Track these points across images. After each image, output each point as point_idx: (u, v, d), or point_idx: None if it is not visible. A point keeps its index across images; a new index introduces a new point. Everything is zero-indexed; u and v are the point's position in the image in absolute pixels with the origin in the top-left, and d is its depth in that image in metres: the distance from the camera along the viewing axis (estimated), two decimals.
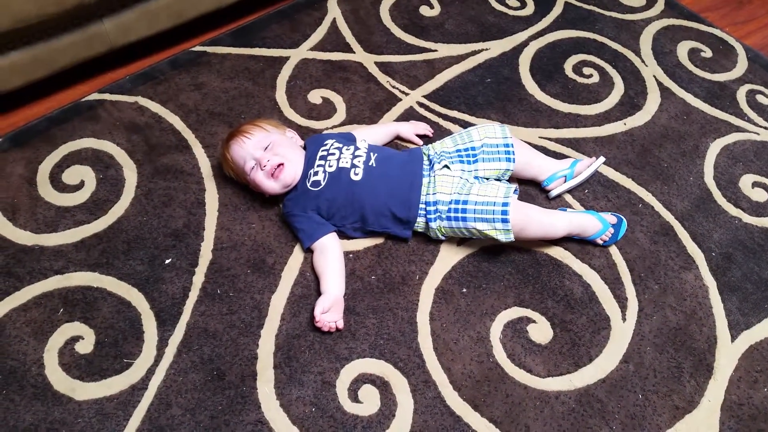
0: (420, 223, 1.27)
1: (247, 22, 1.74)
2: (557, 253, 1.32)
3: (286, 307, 1.21)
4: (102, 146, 1.43)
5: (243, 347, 1.15)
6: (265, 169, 1.25)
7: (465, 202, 1.21)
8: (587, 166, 1.40)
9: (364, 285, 1.24)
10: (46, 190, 1.35)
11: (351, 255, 1.28)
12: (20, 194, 1.34)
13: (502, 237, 1.20)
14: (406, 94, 1.59)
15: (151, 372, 1.11)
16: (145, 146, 1.44)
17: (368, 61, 1.66)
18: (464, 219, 1.21)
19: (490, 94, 1.61)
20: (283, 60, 1.64)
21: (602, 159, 1.42)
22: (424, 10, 1.81)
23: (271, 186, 1.27)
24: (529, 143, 1.45)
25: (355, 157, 1.28)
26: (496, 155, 1.31)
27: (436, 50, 1.71)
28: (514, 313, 1.23)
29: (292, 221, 1.29)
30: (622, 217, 1.35)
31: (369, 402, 1.10)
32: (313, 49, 1.68)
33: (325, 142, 1.32)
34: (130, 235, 1.29)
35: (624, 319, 1.24)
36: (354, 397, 1.11)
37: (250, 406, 1.08)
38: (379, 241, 1.31)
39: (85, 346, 1.14)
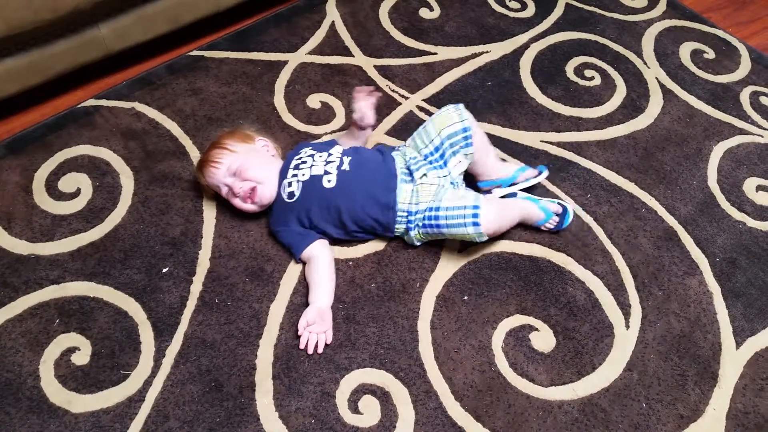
0: (399, 229, 1.26)
1: (244, 26, 1.72)
2: (559, 259, 1.30)
3: (285, 317, 1.19)
4: (98, 153, 1.42)
5: (241, 358, 1.14)
6: (239, 196, 1.25)
7: (437, 209, 1.20)
8: (525, 178, 1.37)
9: (364, 293, 1.23)
10: (42, 198, 1.33)
11: (350, 262, 1.27)
12: (16, 202, 1.32)
13: (476, 239, 1.18)
14: (406, 98, 1.58)
15: (148, 383, 1.10)
16: (142, 153, 1.42)
17: (367, 64, 1.65)
18: (437, 225, 1.20)
19: (491, 98, 1.59)
20: (282, 64, 1.63)
21: (545, 173, 1.38)
22: (424, 13, 1.80)
23: (251, 208, 1.27)
24: (531, 147, 1.43)
25: (327, 163, 1.26)
26: (457, 145, 1.26)
27: (436, 53, 1.69)
28: (516, 320, 1.21)
29: (278, 238, 1.28)
30: (567, 206, 1.32)
31: (369, 413, 1.09)
32: (311, 52, 1.66)
33: (300, 151, 1.31)
34: (126, 243, 1.27)
35: (627, 327, 1.22)
36: (354, 408, 1.09)
37: (249, 418, 1.07)
38: (379, 247, 1.29)
39: (81, 358, 1.12)
